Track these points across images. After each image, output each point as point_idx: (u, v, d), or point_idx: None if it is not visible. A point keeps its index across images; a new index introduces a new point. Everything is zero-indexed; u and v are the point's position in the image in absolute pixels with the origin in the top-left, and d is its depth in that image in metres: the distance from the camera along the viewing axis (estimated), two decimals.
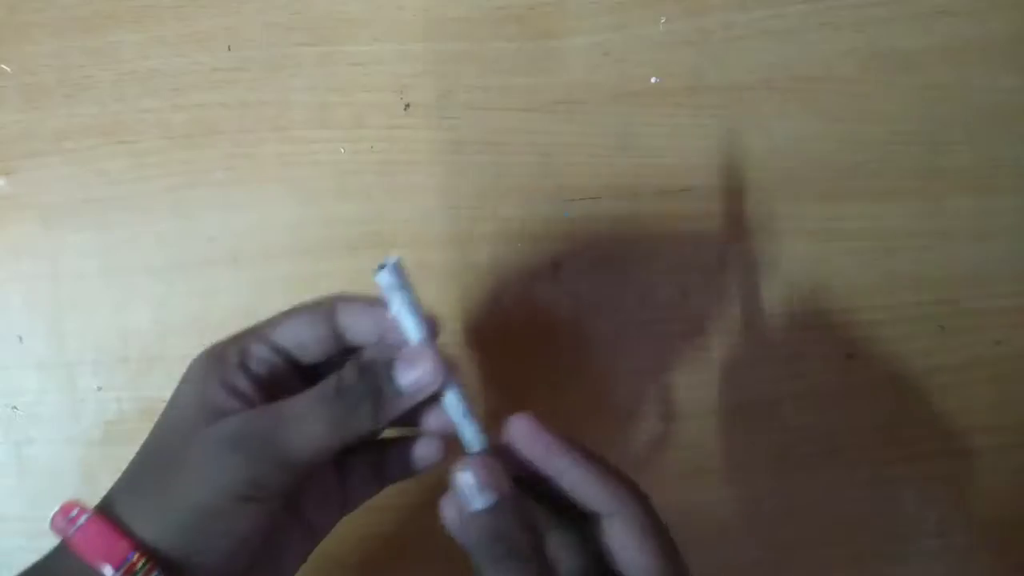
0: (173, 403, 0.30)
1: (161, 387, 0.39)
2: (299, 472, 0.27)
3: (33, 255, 0.40)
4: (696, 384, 0.38)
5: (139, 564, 0.26)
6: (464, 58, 0.38)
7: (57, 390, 0.40)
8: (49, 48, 0.39)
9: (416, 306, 0.28)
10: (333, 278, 0.38)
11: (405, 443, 0.31)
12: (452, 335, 0.38)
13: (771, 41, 0.37)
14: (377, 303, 0.29)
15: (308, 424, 0.27)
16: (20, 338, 0.40)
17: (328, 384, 0.28)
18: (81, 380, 0.40)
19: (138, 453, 0.29)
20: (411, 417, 0.29)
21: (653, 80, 0.37)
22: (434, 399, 0.29)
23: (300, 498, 0.30)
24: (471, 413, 0.28)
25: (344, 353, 0.30)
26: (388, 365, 0.28)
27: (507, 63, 0.38)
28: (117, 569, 0.26)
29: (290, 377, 0.30)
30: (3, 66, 0.40)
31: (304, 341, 0.30)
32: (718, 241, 0.37)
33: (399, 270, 0.28)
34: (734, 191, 0.37)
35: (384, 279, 0.28)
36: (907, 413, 0.37)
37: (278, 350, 0.30)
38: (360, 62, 0.38)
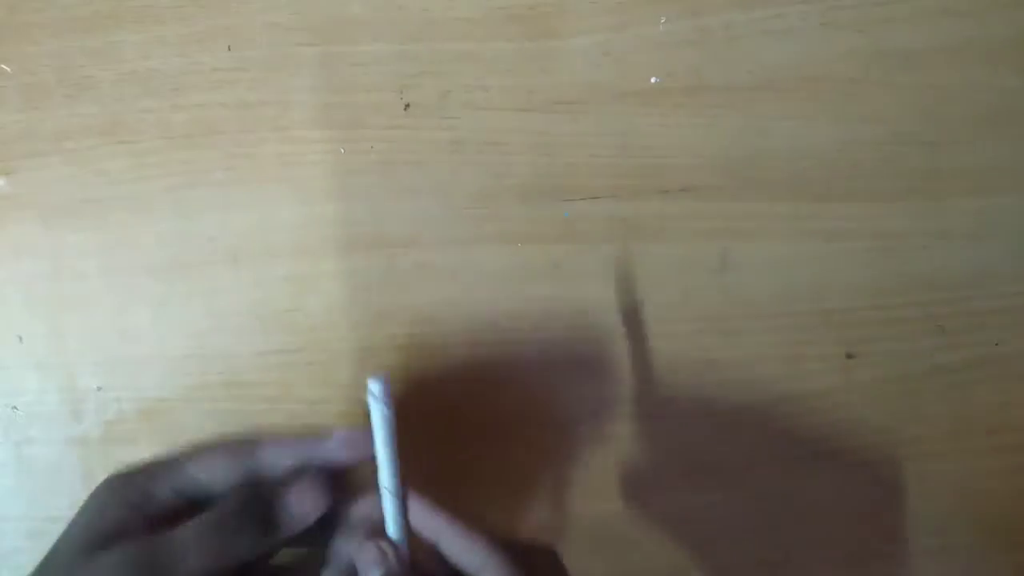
0: (71, 524, 0.30)
1: (161, 387, 0.39)
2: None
3: (33, 255, 0.40)
4: (696, 384, 0.38)
5: None
6: (464, 58, 0.38)
7: (57, 390, 0.40)
8: (49, 48, 0.39)
9: (391, 425, 0.30)
10: (333, 278, 0.38)
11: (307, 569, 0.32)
12: (452, 335, 0.38)
13: (771, 41, 0.37)
14: (302, 442, 0.31)
15: (192, 552, 0.28)
16: (20, 338, 0.40)
17: (212, 512, 0.29)
18: (81, 380, 0.40)
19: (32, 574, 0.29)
20: (311, 538, 0.30)
21: (653, 80, 0.37)
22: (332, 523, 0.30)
23: None
24: (396, 493, 0.30)
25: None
26: (275, 493, 0.29)
27: (507, 63, 0.38)
28: None
29: (195, 506, 0.30)
30: (3, 66, 0.40)
31: (217, 478, 0.31)
32: (718, 241, 0.37)
33: (386, 387, 0.30)
34: (734, 191, 0.37)
35: (374, 389, 0.29)
36: (907, 413, 0.37)
37: (189, 480, 0.31)
38: (360, 62, 0.38)
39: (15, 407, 0.40)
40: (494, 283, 0.38)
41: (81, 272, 0.40)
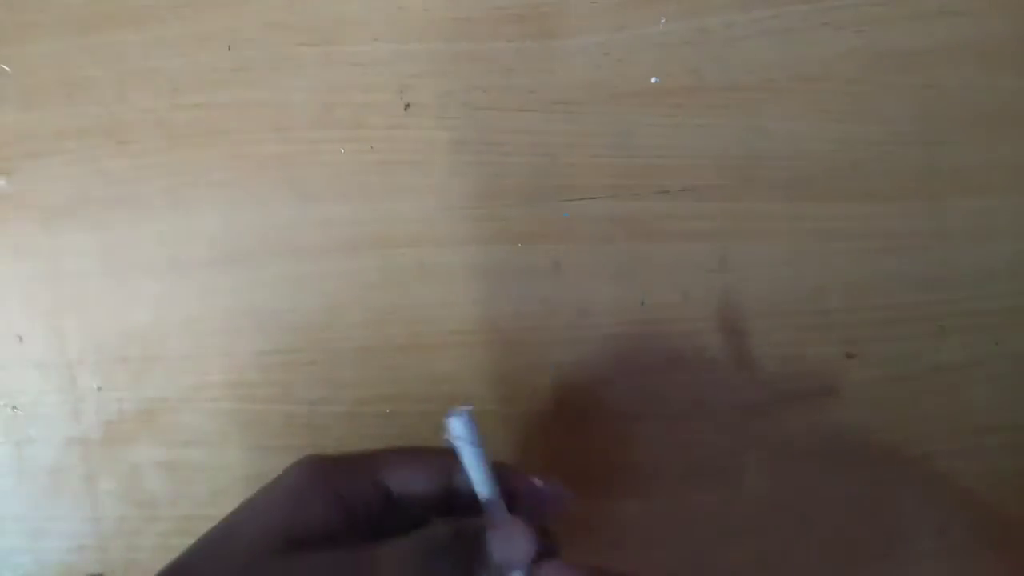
0: (267, 504, 0.28)
1: (161, 387, 0.39)
2: None
3: (33, 255, 0.40)
4: (696, 384, 0.38)
5: None
6: (464, 58, 0.38)
7: (57, 390, 0.40)
8: (49, 48, 0.39)
9: (486, 461, 0.28)
10: (333, 278, 0.38)
11: None
12: (452, 335, 0.38)
13: (771, 41, 0.37)
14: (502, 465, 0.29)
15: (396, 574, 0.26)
16: (20, 338, 0.40)
17: (420, 539, 0.27)
18: (81, 380, 0.40)
19: (192, 550, 0.27)
20: None
21: (653, 80, 0.37)
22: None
23: None
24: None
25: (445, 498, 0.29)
26: (482, 532, 0.27)
27: (507, 63, 0.38)
28: None
29: (380, 515, 0.28)
30: (3, 66, 0.40)
31: (416, 489, 0.29)
32: (718, 241, 0.37)
33: (471, 423, 0.28)
34: (734, 191, 0.37)
35: (456, 428, 0.27)
36: (907, 413, 0.37)
37: (382, 489, 0.28)
38: (360, 62, 0.38)
39: (15, 407, 0.40)
40: (494, 283, 0.38)
41: (81, 272, 0.40)
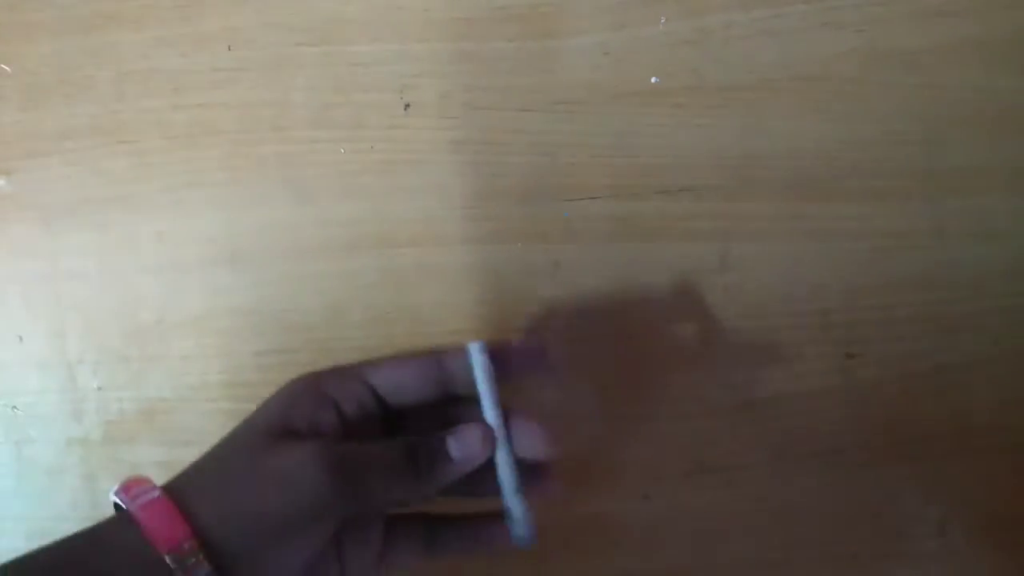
0: (256, 412, 0.31)
1: (161, 387, 0.39)
2: (369, 511, 0.30)
3: (33, 255, 0.40)
4: (696, 384, 0.38)
5: (189, 552, 0.26)
6: (464, 58, 0.38)
7: (57, 390, 0.40)
8: (49, 48, 0.39)
9: (493, 382, 0.32)
10: (333, 278, 0.38)
11: (462, 522, 0.33)
12: (452, 335, 0.38)
13: (771, 41, 0.37)
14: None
15: (394, 472, 0.29)
16: (20, 338, 0.40)
17: (401, 442, 0.30)
18: (81, 380, 0.40)
19: (209, 454, 0.30)
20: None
21: (653, 80, 0.37)
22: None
23: (344, 542, 0.31)
24: (519, 489, 0.32)
25: (431, 406, 0.32)
26: (441, 439, 0.30)
27: (507, 63, 0.38)
28: (170, 551, 0.26)
29: (376, 422, 0.32)
30: (3, 66, 0.40)
31: (404, 393, 0.32)
32: (718, 241, 0.37)
33: (484, 352, 0.32)
34: (734, 191, 0.37)
35: (476, 354, 0.31)
36: (907, 413, 0.37)
37: (373, 391, 0.31)
38: (360, 62, 0.38)
39: (15, 407, 0.40)
40: (494, 283, 0.38)
41: (81, 272, 0.40)
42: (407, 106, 0.38)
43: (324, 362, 0.37)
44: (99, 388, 0.40)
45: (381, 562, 0.32)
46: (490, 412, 0.32)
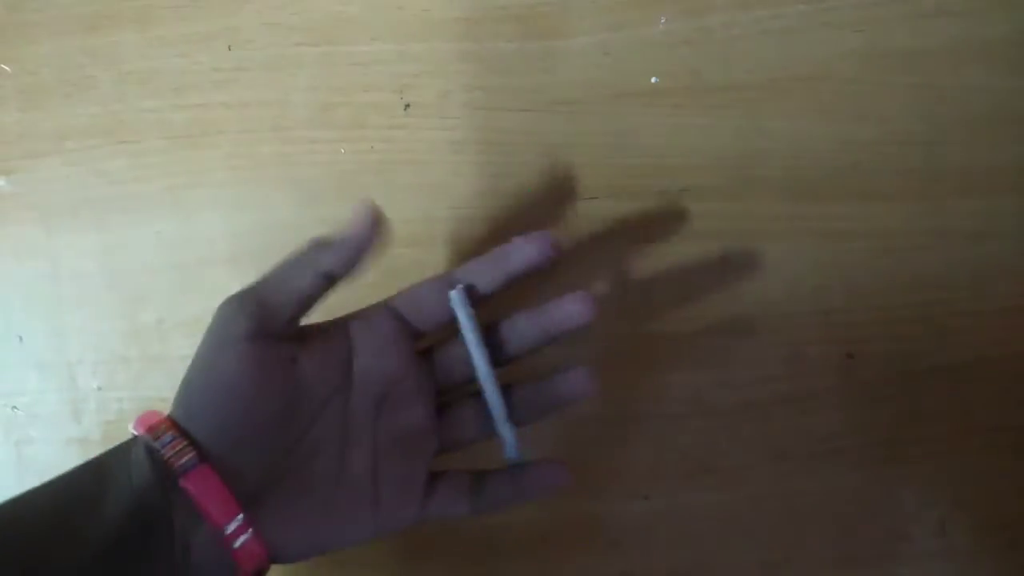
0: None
1: (161, 387, 0.39)
2: (282, 313, 0.31)
3: (33, 255, 0.40)
4: (696, 384, 0.38)
5: (163, 428, 0.29)
6: (464, 58, 0.38)
7: (57, 390, 0.40)
8: (49, 48, 0.39)
9: (476, 324, 0.33)
10: None
11: (507, 475, 0.34)
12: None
13: (771, 41, 0.37)
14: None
15: (285, 283, 0.32)
16: (20, 338, 0.40)
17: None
18: (81, 380, 0.40)
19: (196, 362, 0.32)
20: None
21: (653, 80, 0.37)
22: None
23: (379, 479, 0.32)
24: (508, 417, 0.34)
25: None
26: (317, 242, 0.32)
27: (507, 63, 0.38)
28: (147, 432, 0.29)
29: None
30: (3, 66, 0.40)
31: (420, 301, 0.34)
32: (718, 241, 0.37)
33: (466, 295, 0.33)
34: (734, 191, 0.37)
35: (458, 304, 0.33)
36: (907, 413, 0.37)
37: (399, 316, 0.34)
38: (360, 62, 0.38)
39: (15, 407, 0.40)
40: None
41: (81, 272, 0.40)
42: (407, 106, 0.38)
43: None
44: (99, 388, 0.40)
45: (423, 509, 0.33)
46: (476, 354, 0.33)
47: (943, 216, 0.37)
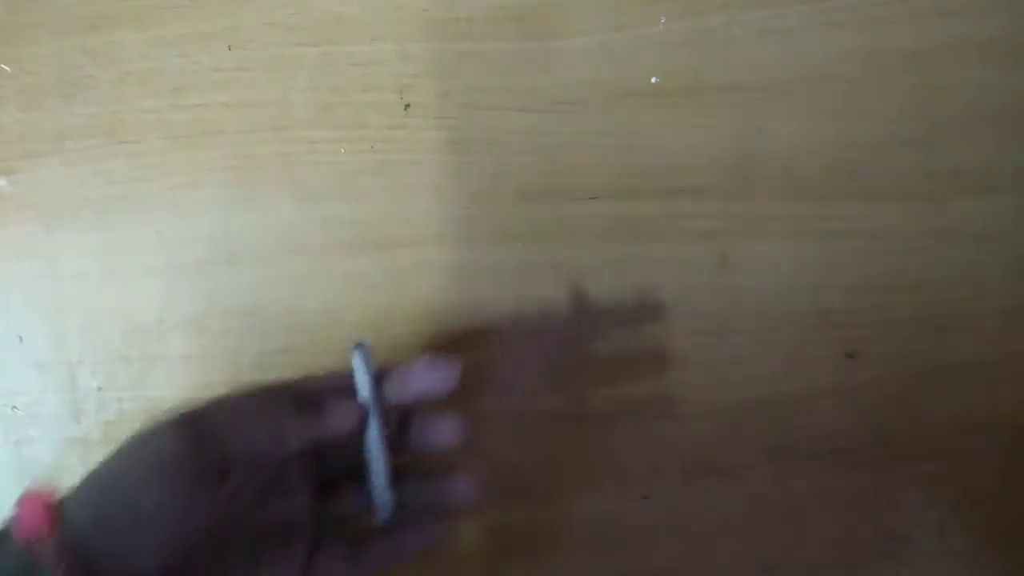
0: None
1: (161, 387, 0.39)
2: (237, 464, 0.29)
3: (33, 255, 0.40)
4: (696, 384, 0.38)
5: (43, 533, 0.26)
6: (464, 58, 0.38)
7: (57, 390, 0.40)
8: (49, 48, 0.39)
9: (375, 387, 0.33)
10: (333, 278, 0.38)
11: (383, 536, 0.33)
12: (451, 335, 0.38)
13: (771, 41, 0.37)
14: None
15: (237, 421, 0.30)
16: (20, 338, 0.40)
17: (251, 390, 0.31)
18: (81, 380, 0.40)
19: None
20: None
21: (653, 80, 0.37)
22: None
23: (264, 560, 0.31)
24: (388, 474, 0.32)
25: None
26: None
27: (507, 63, 0.38)
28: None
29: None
30: (3, 66, 0.40)
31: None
32: (718, 241, 0.37)
33: (368, 355, 0.33)
34: (734, 191, 0.37)
35: (358, 358, 0.32)
36: (907, 413, 0.37)
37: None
38: (360, 62, 0.38)
39: (15, 407, 0.40)
40: (494, 283, 0.38)
41: (81, 272, 0.40)
42: (407, 106, 0.38)
43: (324, 362, 0.38)
44: (99, 388, 0.40)
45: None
46: (372, 412, 0.32)
47: (943, 216, 0.37)
